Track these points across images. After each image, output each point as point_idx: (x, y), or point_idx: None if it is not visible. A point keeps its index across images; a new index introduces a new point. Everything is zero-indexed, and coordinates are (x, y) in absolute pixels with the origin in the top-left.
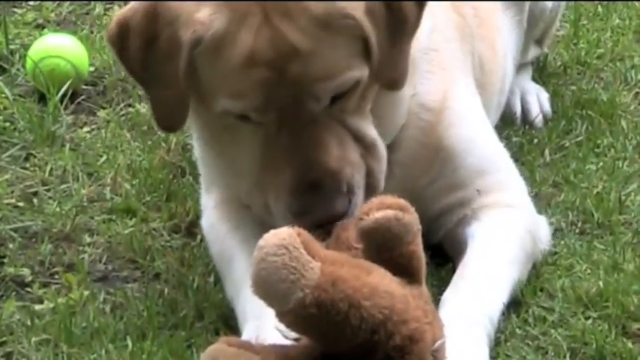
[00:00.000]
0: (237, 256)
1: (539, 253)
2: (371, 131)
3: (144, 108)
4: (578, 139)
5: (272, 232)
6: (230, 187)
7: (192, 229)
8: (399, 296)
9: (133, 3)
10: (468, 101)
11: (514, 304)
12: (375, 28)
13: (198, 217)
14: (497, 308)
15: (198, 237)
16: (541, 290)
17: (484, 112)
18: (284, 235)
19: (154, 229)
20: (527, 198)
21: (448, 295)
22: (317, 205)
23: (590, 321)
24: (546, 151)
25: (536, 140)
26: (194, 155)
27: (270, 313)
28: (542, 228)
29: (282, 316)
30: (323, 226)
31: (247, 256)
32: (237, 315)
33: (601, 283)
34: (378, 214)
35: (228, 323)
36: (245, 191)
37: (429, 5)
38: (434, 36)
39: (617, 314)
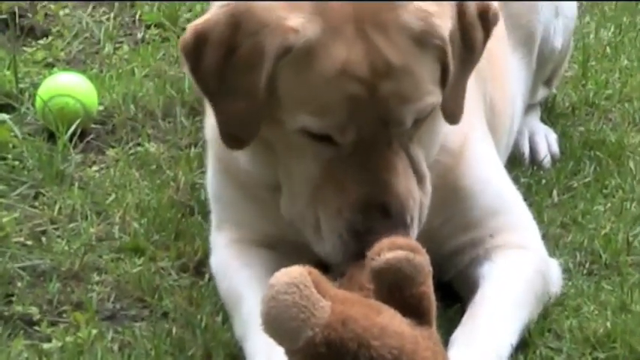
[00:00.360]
0: (247, 294)
1: (549, 295)
2: (425, 164)
3: (153, 147)
4: (586, 179)
5: (283, 270)
6: (243, 226)
7: (200, 268)
8: (409, 337)
9: (211, 13)
10: (484, 143)
11: (522, 345)
12: (453, 55)
13: (206, 256)
14: (506, 351)
15: (207, 276)
16: (549, 331)
17: (496, 154)
18: (295, 274)
19: (162, 268)
20: (539, 239)
21: (457, 336)
22: (382, 229)
23: None
24: (554, 192)
25: (544, 181)
26: (203, 194)
27: (279, 352)
28: (553, 270)
29: (291, 354)
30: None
31: (257, 294)
32: (245, 354)
33: (609, 324)
34: (390, 255)
35: None
36: (297, 209)
37: None
38: None
39: (625, 355)
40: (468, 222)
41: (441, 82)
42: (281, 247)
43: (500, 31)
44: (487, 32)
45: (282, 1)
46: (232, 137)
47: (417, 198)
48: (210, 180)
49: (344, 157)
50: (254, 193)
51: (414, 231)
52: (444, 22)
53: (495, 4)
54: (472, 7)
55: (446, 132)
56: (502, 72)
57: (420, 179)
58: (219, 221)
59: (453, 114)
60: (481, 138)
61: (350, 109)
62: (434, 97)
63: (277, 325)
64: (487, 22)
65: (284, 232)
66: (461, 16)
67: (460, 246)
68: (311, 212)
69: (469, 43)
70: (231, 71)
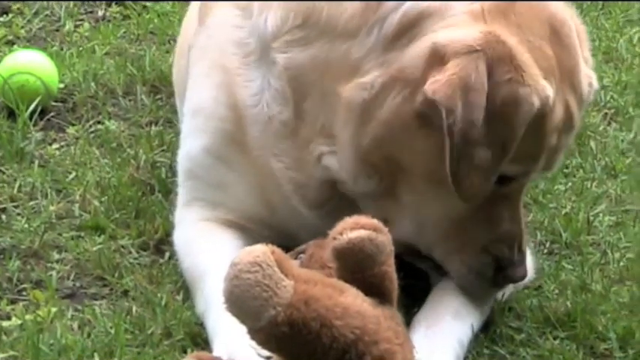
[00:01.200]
0: (211, 271)
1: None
2: None
3: (113, 125)
4: None
5: (246, 249)
6: (220, 205)
7: (160, 246)
8: (371, 317)
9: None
10: None
11: (483, 324)
12: None
13: (167, 234)
14: (468, 332)
15: (167, 254)
16: (509, 310)
17: None
18: (258, 253)
19: (123, 247)
20: None
21: (421, 318)
22: (518, 262)
23: (557, 341)
24: None
25: None
26: (164, 172)
27: (241, 330)
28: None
29: (253, 333)
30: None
31: (220, 272)
32: (207, 331)
33: (569, 304)
34: (352, 235)
35: (197, 341)
36: (428, 236)
37: None
38: None
39: (585, 334)
40: None
41: None
42: (250, 229)
43: None
44: None
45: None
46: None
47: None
48: (191, 156)
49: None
50: (264, 170)
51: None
52: None
53: None
54: None
55: None
56: None
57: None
58: (190, 198)
59: None
60: None
61: (546, 156)
62: None
63: (240, 303)
64: None
65: (272, 212)
66: None
67: None
68: (454, 246)
69: None
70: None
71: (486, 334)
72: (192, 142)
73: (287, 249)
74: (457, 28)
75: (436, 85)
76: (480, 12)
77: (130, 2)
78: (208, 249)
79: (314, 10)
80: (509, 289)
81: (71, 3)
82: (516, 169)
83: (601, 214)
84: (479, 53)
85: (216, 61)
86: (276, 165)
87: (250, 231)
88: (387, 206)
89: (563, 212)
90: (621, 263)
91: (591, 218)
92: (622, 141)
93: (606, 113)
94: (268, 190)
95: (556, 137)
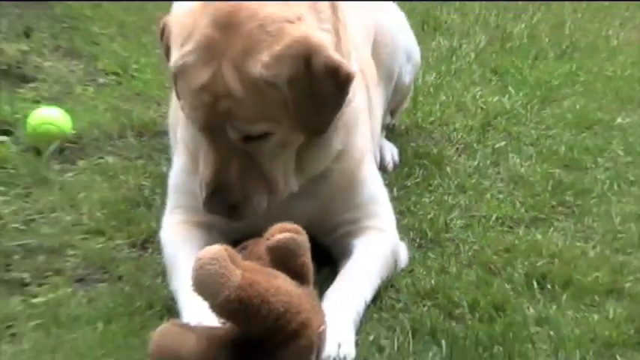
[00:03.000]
0: (183, 261)
1: (397, 269)
2: (276, 174)
3: (110, 159)
4: (417, 180)
5: (207, 247)
6: (192, 211)
7: (145, 244)
8: (295, 295)
9: None
10: (372, 159)
11: (372, 297)
12: (298, 96)
13: (149, 236)
14: (363, 304)
15: (149, 250)
16: (391, 287)
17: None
18: (215, 251)
19: (118, 245)
20: (394, 227)
21: (329, 293)
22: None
23: (425, 308)
24: (394, 189)
25: (387, 181)
26: (147, 192)
27: (204, 305)
28: (402, 252)
29: (213, 307)
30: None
31: (190, 262)
32: (178, 304)
33: (433, 282)
34: (280, 236)
35: (171, 312)
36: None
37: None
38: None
39: (445, 303)
40: (352, 204)
41: (287, 114)
42: (215, 229)
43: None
44: (340, 88)
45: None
46: None
47: (241, 191)
48: (175, 170)
49: (206, 150)
50: None
51: (241, 212)
52: (283, 71)
53: (349, 66)
54: (319, 65)
55: (353, 147)
56: (376, 101)
57: (267, 184)
58: (172, 207)
59: (314, 133)
60: (371, 155)
61: (204, 111)
62: (263, 126)
63: (203, 286)
64: (338, 79)
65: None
66: (307, 68)
67: (342, 221)
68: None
69: (316, 90)
70: None
71: (375, 304)
72: (176, 163)
73: (235, 243)
74: None
75: None
76: None
77: (122, 72)
78: (182, 245)
79: None
80: (390, 271)
81: (81, 73)
82: (191, 117)
83: (455, 219)
84: None
85: None
86: None
87: (215, 227)
88: None
89: (428, 217)
90: (469, 253)
91: (448, 221)
92: (469, 167)
93: (458, 147)
94: None
95: (209, 97)
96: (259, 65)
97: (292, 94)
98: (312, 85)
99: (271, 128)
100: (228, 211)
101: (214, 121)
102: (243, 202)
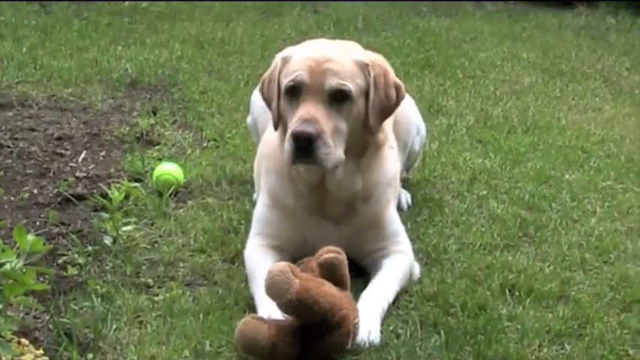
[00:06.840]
0: (260, 272)
1: (412, 280)
2: (339, 134)
3: (210, 200)
4: (424, 217)
5: (276, 263)
6: (269, 237)
7: (234, 260)
8: (337, 297)
9: None
10: (394, 203)
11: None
12: (375, 89)
13: (237, 254)
14: (387, 304)
15: (237, 264)
16: (406, 292)
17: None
18: (281, 266)
19: (214, 260)
20: (411, 251)
21: (363, 296)
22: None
23: (430, 307)
24: (408, 223)
25: (403, 217)
26: (235, 222)
27: (273, 304)
28: (416, 268)
29: (279, 305)
30: None
31: (264, 274)
32: (255, 303)
33: (435, 288)
34: (327, 255)
35: (251, 308)
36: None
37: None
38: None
39: (443, 304)
40: (382, 237)
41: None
42: (285, 251)
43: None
44: (398, 99)
45: None
46: None
47: (325, 134)
48: (258, 207)
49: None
50: (288, 214)
51: (315, 152)
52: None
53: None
54: (391, 79)
55: (382, 195)
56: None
57: (336, 135)
58: (255, 233)
59: (366, 128)
60: (394, 201)
61: (308, 72)
62: (350, 85)
63: (272, 291)
64: (399, 93)
65: (297, 239)
66: (385, 77)
67: (375, 249)
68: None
69: (386, 93)
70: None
71: (394, 304)
72: (259, 202)
73: (295, 261)
74: None
75: None
76: None
77: (219, 139)
78: (259, 261)
79: None
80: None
81: (191, 139)
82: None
83: (451, 245)
84: None
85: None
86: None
87: (283, 249)
88: None
89: (432, 243)
90: (461, 269)
91: (446, 246)
92: (461, 208)
93: (453, 194)
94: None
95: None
96: (358, 52)
97: (373, 85)
98: (385, 87)
99: (353, 91)
100: (307, 149)
101: (315, 77)
102: (318, 138)
